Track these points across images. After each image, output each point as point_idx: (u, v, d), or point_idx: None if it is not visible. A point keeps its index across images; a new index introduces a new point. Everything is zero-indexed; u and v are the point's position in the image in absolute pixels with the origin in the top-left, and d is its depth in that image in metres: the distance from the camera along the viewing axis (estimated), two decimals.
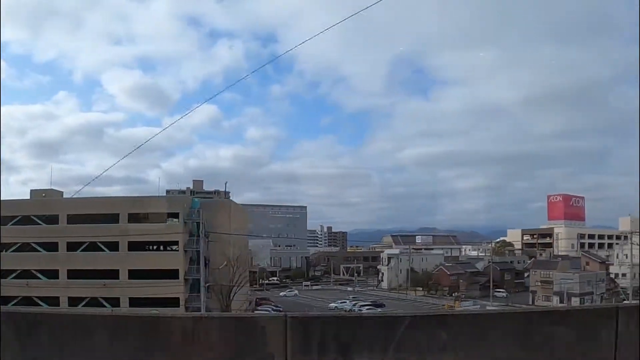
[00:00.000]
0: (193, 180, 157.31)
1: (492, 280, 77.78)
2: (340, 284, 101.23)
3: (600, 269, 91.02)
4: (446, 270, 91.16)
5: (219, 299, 48.21)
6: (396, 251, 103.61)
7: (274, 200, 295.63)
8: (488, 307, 57.99)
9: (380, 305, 70.65)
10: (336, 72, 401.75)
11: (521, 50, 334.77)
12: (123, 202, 53.03)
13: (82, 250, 51.64)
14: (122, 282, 49.54)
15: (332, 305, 70.19)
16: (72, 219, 51.99)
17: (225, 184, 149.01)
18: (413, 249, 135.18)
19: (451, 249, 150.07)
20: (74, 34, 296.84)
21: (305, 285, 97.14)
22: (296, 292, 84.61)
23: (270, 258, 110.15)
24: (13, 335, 4.74)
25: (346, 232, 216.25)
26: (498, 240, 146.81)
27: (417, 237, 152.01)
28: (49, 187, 66.21)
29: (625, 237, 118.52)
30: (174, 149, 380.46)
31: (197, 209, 50.44)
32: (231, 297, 48.79)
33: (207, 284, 46.09)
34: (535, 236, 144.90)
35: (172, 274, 48.73)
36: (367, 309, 63.56)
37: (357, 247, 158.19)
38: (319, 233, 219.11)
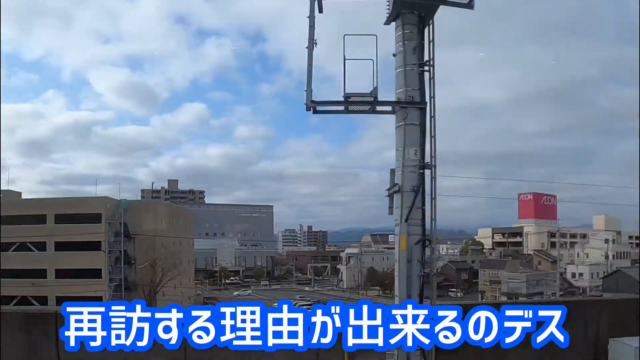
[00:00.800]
0: (168, 180, 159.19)
1: (435, 280, 78.47)
2: (300, 283, 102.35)
3: (552, 269, 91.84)
4: None
5: (143, 298, 49.51)
6: (355, 250, 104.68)
7: (264, 199, 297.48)
8: None
9: None
10: (323, 71, 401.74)
11: (507, 49, 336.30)
12: (52, 204, 54.30)
13: (13, 251, 52.97)
14: (50, 281, 50.88)
15: None
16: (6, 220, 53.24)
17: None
18: (384, 248, 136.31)
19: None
20: (62, 32, 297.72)
21: (263, 285, 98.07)
22: (250, 291, 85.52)
23: (235, 257, 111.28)
24: None
25: (326, 232, 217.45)
26: (469, 239, 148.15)
27: (389, 236, 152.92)
28: (7, 189, 67.71)
29: (584, 237, 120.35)
30: (162, 148, 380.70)
31: (124, 209, 51.67)
32: (154, 296, 50.03)
33: (115, 283, 47.37)
34: (505, 235, 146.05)
35: (97, 274, 50.07)
36: None
37: (331, 246, 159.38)
38: (298, 232, 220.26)
